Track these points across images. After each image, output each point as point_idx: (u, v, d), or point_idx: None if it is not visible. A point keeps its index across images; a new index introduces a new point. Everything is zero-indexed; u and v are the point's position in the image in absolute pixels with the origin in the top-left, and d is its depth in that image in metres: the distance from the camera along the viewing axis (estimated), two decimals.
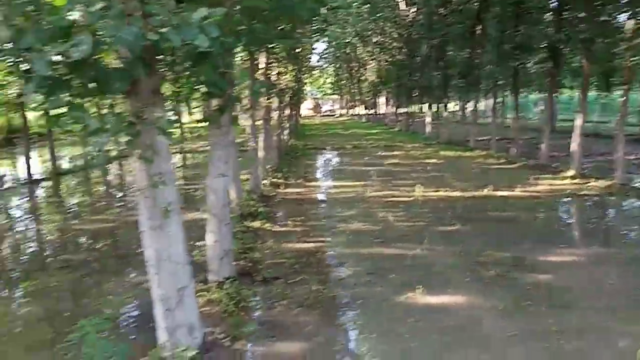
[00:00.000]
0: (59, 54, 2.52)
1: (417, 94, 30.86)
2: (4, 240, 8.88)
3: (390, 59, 32.61)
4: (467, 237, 7.80)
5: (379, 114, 48.90)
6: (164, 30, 2.74)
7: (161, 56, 3.23)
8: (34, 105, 2.82)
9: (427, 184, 12.21)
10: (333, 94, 73.37)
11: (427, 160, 17.78)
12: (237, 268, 6.17)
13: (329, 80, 68.54)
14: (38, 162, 19.10)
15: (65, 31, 2.57)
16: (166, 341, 3.99)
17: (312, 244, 7.53)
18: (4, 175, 16.39)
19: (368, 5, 28.65)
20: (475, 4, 20.20)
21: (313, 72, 39.67)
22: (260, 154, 12.37)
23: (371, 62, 38.30)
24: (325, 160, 20.33)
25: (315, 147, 23.68)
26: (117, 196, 13.35)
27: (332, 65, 53.37)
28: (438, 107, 28.60)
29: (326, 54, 45.24)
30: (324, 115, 69.23)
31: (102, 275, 6.57)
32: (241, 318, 4.90)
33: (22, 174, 16.23)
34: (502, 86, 20.01)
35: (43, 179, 15.71)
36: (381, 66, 35.93)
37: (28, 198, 13.19)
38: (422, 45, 26.38)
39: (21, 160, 19.08)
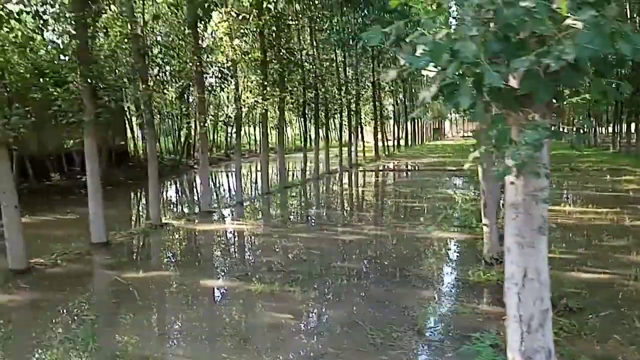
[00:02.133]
0: (530, 65, 2.51)
1: None
2: (251, 245, 9.94)
3: None
4: None
5: None
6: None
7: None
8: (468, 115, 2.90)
9: None
10: None
11: None
12: None
13: None
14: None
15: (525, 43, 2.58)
16: None
17: (596, 275, 6.82)
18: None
19: None
20: None
21: None
22: None
23: None
24: None
25: None
26: (354, 207, 14.09)
27: None
28: None
29: None
30: None
31: (392, 286, 6.83)
32: (569, 350, 4.52)
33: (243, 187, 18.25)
34: None
35: (270, 192, 17.13)
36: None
37: (267, 207, 14.70)
38: None
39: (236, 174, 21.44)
